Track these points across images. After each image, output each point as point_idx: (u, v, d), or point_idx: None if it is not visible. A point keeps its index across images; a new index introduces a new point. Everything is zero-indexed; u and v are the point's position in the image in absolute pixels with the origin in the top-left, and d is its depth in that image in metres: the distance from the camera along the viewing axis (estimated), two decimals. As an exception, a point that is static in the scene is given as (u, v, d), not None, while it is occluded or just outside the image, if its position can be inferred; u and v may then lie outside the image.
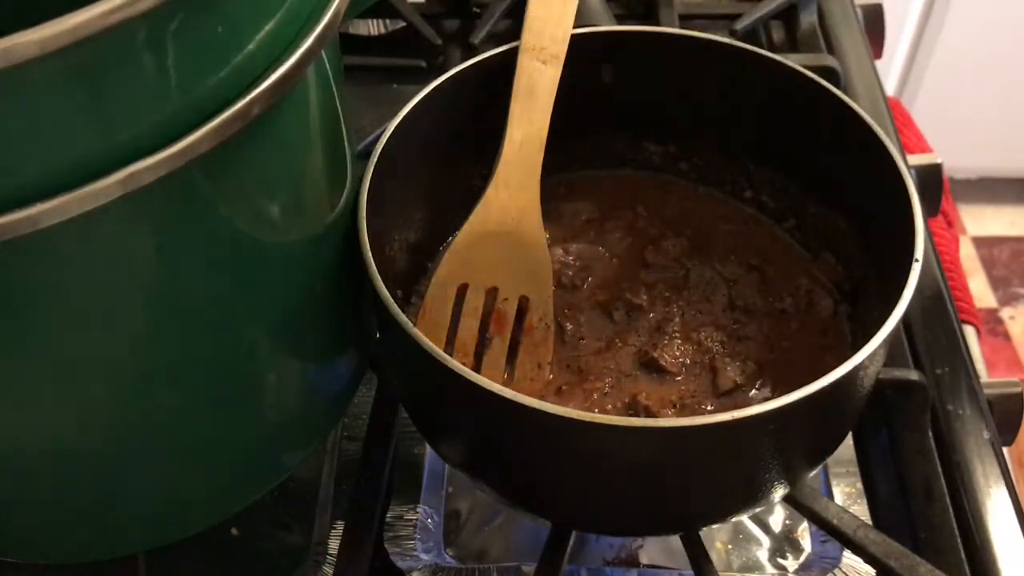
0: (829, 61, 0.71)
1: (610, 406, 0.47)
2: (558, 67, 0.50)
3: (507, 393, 0.37)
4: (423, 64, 0.76)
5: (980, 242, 1.72)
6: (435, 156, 0.52)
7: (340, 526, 0.49)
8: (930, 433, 0.52)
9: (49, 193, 0.27)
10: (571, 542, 0.46)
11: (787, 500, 0.45)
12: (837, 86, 0.50)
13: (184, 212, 0.33)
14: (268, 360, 0.41)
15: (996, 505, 0.49)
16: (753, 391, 0.48)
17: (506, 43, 0.51)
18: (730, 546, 0.50)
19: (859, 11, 0.81)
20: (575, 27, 0.51)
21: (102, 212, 0.29)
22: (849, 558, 0.47)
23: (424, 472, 0.51)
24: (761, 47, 0.58)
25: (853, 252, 0.51)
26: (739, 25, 0.74)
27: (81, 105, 0.28)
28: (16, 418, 0.36)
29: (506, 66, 0.50)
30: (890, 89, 1.58)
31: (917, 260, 0.41)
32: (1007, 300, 1.64)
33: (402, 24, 0.77)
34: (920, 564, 0.42)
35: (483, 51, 0.51)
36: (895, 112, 0.73)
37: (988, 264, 1.68)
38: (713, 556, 0.46)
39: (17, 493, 0.39)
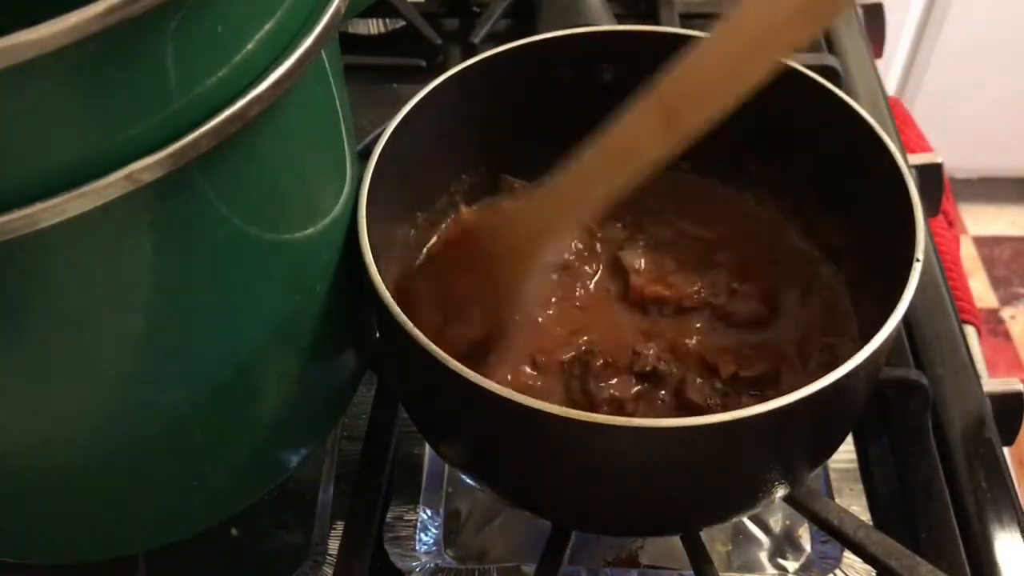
0: (829, 60, 0.71)
1: (609, 407, 0.47)
2: (677, 148, 0.38)
3: (507, 393, 0.37)
4: (423, 64, 0.76)
5: (981, 242, 1.72)
6: (435, 155, 0.52)
7: (340, 526, 0.49)
8: (930, 433, 0.52)
9: (49, 193, 0.27)
10: (571, 542, 0.46)
11: (787, 500, 0.45)
12: (837, 86, 0.50)
13: (184, 212, 0.33)
14: (268, 360, 0.41)
15: (996, 505, 0.49)
16: (753, 391, 0.48)
17: (506, 42, 0.51)
18: (730, 546, 0.50)
19: (859, 11, 0.81)
20: (575, 27, 0.50)
21: (102, 212, 0.29)
22: (849, 558, 0.47)
23: (424, 472, 0.51)
24: (761, 47, 0.57)
25: (853, 252, 0.51)
26: (739, 25, 0.74)
27: (81, 105, 0.28)
28: (15, 418, 0.35)
29: (506, 66, 0.50)
30: (890, 89, 1.58)
31: (918, 260, 0.41)
32: (1008, 300, 1.64)
33: (402, 23, 0.77)
34: (920, 564, 0.42)
35: (483, 50, 0.51)
36: (895, 112, 0.73)
37: (989, 264, 1.68)
38: (713, 556, 0.46)
39: (17, 493, 0.39)
